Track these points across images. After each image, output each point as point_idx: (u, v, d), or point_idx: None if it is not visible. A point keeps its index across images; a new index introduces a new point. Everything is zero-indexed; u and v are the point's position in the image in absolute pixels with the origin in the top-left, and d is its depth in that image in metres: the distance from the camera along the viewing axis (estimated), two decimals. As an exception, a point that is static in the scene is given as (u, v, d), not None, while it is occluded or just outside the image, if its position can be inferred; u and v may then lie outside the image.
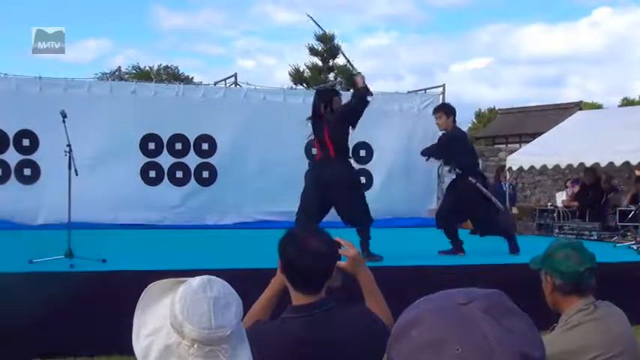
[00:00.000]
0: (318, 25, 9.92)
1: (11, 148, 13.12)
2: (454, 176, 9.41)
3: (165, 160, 13.95)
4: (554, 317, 3.20)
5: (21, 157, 13.17)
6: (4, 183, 13.07)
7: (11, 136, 13.11)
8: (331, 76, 34.89)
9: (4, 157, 13.11)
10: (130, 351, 1.69)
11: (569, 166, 14.60)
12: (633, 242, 11.10)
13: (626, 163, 13.16)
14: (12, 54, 59.90)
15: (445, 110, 9.27)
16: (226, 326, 1.63)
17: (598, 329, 3.07)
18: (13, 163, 13.11)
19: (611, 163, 13.27)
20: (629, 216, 12.54)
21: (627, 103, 40.56)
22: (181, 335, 1.62)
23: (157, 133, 13.88)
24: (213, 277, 1.72)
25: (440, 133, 9.59)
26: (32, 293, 6.46)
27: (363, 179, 14.76)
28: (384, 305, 2.87)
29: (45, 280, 6.76)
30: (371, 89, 8.31)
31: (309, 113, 8.41)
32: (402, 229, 13.24)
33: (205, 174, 14.13)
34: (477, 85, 78.88)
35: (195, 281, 1.68)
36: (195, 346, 1.61)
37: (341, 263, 2.75)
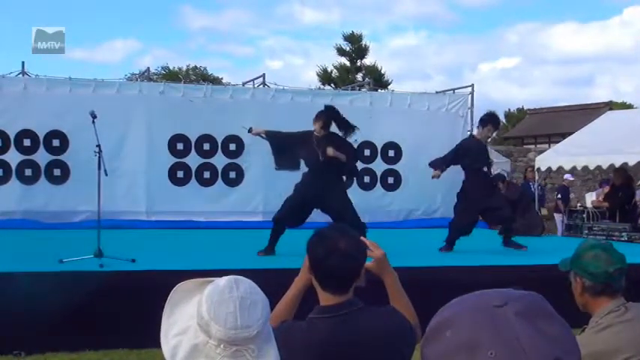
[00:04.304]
0: None
1: (41, 148, 13.26)
2: None
3: (193, 160, 14.04)
4: (583, 319, 3.17)
5: (51, 157, 13.30)
6: (35, 183, 13.21)
7: (41, 136, 13.25)
8: (359, 76, 34.87)
9: (35, 157, 13.24)
10: (157, 347, 1.70)
11: (599, 167, 14.45)
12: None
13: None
14: (41, 56, 60.46)
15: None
16: (252, 326, 1.63)
17: (629, 331, 3.03)
18: (43, 164, 13.25)
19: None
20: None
21: (658, 103, 40.06)
22: (208, 335, 1.62)
23: (185, 134, 13.98)
24: (240, 277, 1.72)
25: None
26: (62, 292, 6.52)
27: (391, 179, 14.83)
28: (409, 306, 2.85)
29: (75, 279, 6.82)
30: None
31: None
32: (438, 230, 13.11)
33: (232, 174, 14.19)
34: (506, 85, 78.51)
35: (222, 281, 1.68)
36: (222, 345, 1.61)
37: (367, 264, 2.74)
